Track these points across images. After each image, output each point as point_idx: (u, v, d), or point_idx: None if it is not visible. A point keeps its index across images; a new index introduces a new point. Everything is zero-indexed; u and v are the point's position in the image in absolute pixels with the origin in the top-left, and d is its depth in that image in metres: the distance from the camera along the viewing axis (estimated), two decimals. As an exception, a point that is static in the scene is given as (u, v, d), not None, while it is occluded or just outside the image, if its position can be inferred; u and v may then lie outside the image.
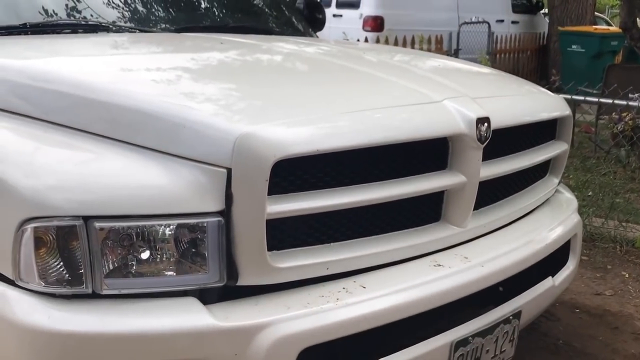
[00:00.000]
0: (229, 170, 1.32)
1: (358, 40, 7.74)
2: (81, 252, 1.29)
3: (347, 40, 6.88)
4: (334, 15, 10.14)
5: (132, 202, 1.30)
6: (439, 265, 1.64)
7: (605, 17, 13.88)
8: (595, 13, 12.95)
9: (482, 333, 1.71)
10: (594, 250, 3.57)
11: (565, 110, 2.17)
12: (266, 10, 3.16)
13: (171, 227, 1.32)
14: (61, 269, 1.31)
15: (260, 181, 1.31)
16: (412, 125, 1.57)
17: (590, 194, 4.57)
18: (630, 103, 3.96)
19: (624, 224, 3.74)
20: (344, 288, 1.48)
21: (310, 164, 1.42)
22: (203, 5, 2.77)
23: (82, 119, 1.45)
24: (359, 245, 1.55)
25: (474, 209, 1.82)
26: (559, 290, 2.11)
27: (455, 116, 1.66)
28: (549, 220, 2.09)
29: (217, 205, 1.33)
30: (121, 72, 1.69)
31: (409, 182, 1.60)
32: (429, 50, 8.90)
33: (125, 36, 2.24)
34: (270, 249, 1.40)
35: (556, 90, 10.39)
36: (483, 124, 1.68)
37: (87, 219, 1.28)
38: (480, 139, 1.68)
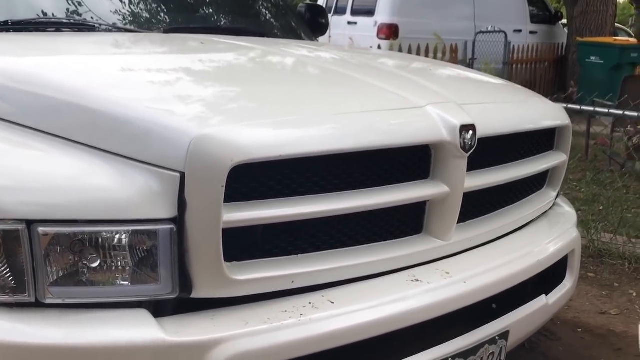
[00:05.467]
0: (183, 175, 1.23)
1: (371, 47, 7.65)
2: (24, 258, 1.22)
3: (351, 44, 6.76)
4: (349, 23, 10.10)
5: (78, 206, 1.22)
6: (417, 281, 1.54)
7: (627, 29, 13.61)
8: (617, 24, 12.73)
9: (464, 354, 1.60)
10: (601, 267, 3.43)
11: (565, 120, 2.06)
12: (262, 13, 3.09)
13: (120, 234, 1.24)
14: (6, 275, 1.24)
15: (215, 187, 1.22)
16: (389, 131, 1.48)
17: (601, 208, 4.43)
18: (642, 114, 3.82)
19: (633, 240, 3.59)
20: (310, 303, 1.38)
21: (275, 170, 1.33)
22: (196, 7, 2.70)
23: (31, 116, 1.38)
24: (330, 257, 1.45)
25: (460, 222, 1.72)
26: (554, 309, 1.99)
27: (438, 123, 1.56)
28: (544, 235, 1.97)
29: (169, 211, 1.24)
30: (81, 70, 1.61)
31: (385, 191, 1.50)
32: (443, 59, 8.80)
33: (108, 36, 2.18)
34: (229, 259, 1.31)
35: (572, 101, 10.24)
36: (468, 132, 1.58)
37: (30, 223, 1.21)
38: (464, 147, 1.58)
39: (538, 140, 2.00)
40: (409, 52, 8.20)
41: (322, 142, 1.35)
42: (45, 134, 1.35)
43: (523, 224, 1.96)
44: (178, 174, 1.24)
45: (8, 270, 1.23)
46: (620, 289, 3.18)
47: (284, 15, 3.19)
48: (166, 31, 2.35)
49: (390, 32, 9.39)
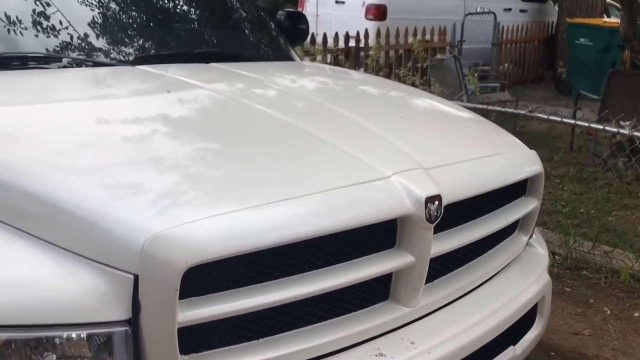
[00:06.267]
0: (136, 277, 1.21)
1: (357, 35, 7.51)
2: None
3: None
4: (337, 2, 9.93)
5: (26, 309, 1.19)
6: (382, 355, 1.54)
7: (618, 5, 13.46)
8: (610, 1, 12.59)
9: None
10: (578, 280, 3.46)
11: (538, 168, 2.04)
12: (237, 29, 3.01)
13: (73, 337, 1.22)
14: None
15: (169, 290, 1.20)
16: (352, 213, 1.45)
17: (582, 210, 4.45)
18: (621, 131, 3.80)
19: (611, 251, 3.61)
20: (267, 391, 1.38)
21: (234, 261, 1.31)
22: (165, 32, 2.62)
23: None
24: (294, 338, 1.45)
25: (427, 282, 1.71)
26: (523, 356, 2.00)
27: (403, 195, 1.53)
28: (514, 286, 1.97)
29: (124, 313, 1.22)
30: (25, 134, 1.54)
31: (350, 267, 1.49)
32: (432, 42, 8.70)
33: (59, 72, 2.08)
34: (187, 351, 1.30)
35: (561, 81, 10.15)
36: (433, 203, 1.56)
37: None
38: (430, 219, 1.56)
39: (510, 190, 1.98)
40: (397, 34, 8.09)
41: (280, 233, 1.33)
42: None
43: (493, 274, 1.96)
44: (132, 276, 1.21)
45: None
46: (595, 306, 3.21)
47: (260, 29, 3.12)
48: (134, 61, 2.27)
49: (378, 12, 9.25)
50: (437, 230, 1.66)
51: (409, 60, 8.26)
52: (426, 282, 1.71)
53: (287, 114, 1.84)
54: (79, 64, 2.16)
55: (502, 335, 1.87)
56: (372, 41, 7.78)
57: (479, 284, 1.89)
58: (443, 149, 1.86)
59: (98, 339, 1.23)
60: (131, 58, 2.29)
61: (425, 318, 1.70)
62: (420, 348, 1.59)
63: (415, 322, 1.67)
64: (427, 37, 8.70)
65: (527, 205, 2.04)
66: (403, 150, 1.71)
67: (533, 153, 2.08)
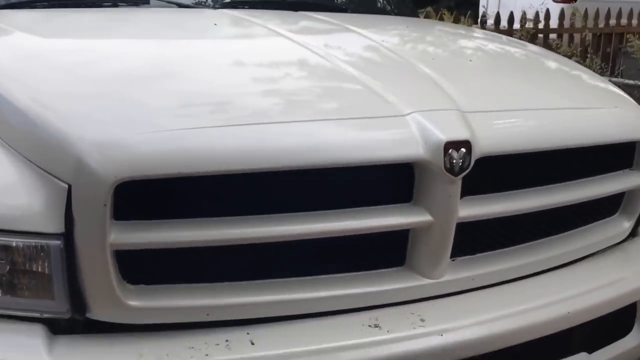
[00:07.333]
0: (70, 187, 1.12)
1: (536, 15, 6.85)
2: None
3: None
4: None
5: None
6: (376, 327, 1.28)
7: None
8: None
9: None
10: None
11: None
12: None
13: (10, 245, 1.16)
14: None
15: (99, 205, 1.09)
16: (341, 148, 1.21)
17: None
18: None
19: None
20: (226, 340, 1.20)
21: (183, 188, 1.16)
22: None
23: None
24: (266, 288, 1.25)
25: (463, 254, 1.41)
26: (603, 372, 1.58)
27: (416, 137, 1.25)
28: (596, 276, 1.55)
29: (58, 226, 1.14)
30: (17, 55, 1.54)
31: (342, 215, 1.25)
32: (630, 24, 7.67)
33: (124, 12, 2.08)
34: (135, 281, 1.18)
35: None
36: (458, 150, 1.25)
37: None
38: (452, 170, 1.26)
39: (605, 158, 1.57)
40: (585, 17, 7.24)
41: (238, 160, 1.14)
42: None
43: (569, 260, 1.57)
44: (66, 185, 1.12)
45: None
46: None
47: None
48: (221, 6, 2.22)
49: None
50: (475, 190, 1.35)
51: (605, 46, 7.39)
52: (462, 255, 1.42)
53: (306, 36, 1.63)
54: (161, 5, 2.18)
55: (568, 337, 1.49)
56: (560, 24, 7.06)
57: (545, 268, 1.52)
58: (504, 95, 1.52)
59: (37, 249, 1.15)
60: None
61: (454, 297, 1.39)
62: (430, 328, 1.30)
63: (437, 299, 1.38)
64: (624, 21, 7.71)
65: (629, 181, 1.60)
66: (444, 91, 1.42)
67: (643, 115, 1.62)
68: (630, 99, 1.71)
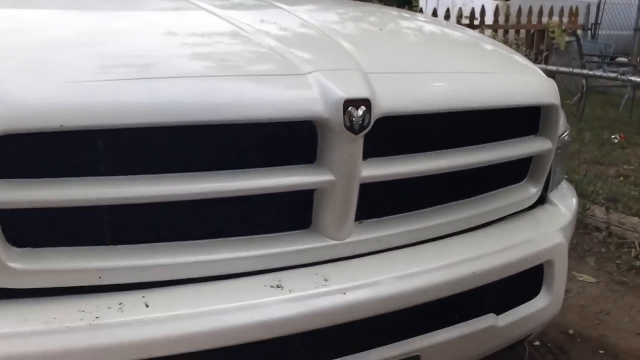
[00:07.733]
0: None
1: (472, 12, 7.01)
2: None
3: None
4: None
5: None
6: (278, 287, 1.26)
7: None
8: None
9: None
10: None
11: (552, 99, 1.63)
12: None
13: None
14: None
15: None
16: (233, 102, 1.19)
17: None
18: None
19: None
20: (120, 304, 1.16)
21: (71, 141, 1.11)
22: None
23: None
24: (162, 250, 1.22)
25: (371, 217, 1.41)
26: (510, 334, 1.61)
27: (316, 94, 1.24)
28: (500, 239, 1.58)
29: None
30: None
31: (238, 175, 1.23)
32: (561, 22, 7.92)
33: None
34: (21, 243, 1.13)
35: None
36: (357, 108, 1.25)
37: None
38: (352, 128, 1.25)
39: (510, 124, 1.60)
40: (519, 14, 7.45)
41: (125, 114, 1.10)
42: None
43: (477, 224, 1.59)
44: None
45: None
46: (677, 307, 2.62)
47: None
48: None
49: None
50: (382, 152, 1.36)
51: (538, 42, 7.60)
52: (369, 217, 1.42)
53: (227, 10, 1.61)
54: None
55: (476, 299, 1.51)
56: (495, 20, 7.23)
57: (452, 231, 1.54)
58: (409, 59, 1.53)
59: None
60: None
61: (360, 258, 1.39)
62: (333, 287, 1.29)
63: (343, 261, 1.37)
64: (556, 18, 7.95)
65: (534, 146, 1.63)
66: (349, 54, 1.41)
67: (549, 82, 1.66)
68: (537, 69, 1.75)
